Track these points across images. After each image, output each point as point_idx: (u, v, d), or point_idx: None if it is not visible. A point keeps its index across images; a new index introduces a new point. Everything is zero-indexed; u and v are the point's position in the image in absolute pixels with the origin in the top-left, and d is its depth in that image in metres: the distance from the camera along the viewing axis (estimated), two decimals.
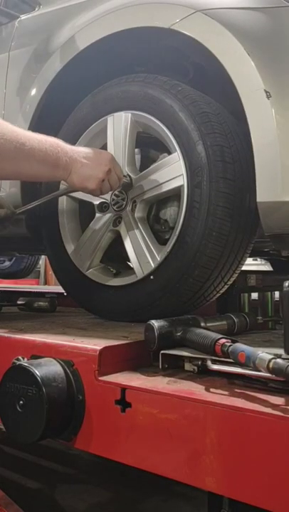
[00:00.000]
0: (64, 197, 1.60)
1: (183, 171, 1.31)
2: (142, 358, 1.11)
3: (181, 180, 1.31)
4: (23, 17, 1.89)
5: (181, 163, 1.31)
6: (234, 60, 1.22)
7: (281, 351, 0.94)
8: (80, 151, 1.33)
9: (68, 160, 1.28)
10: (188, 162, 1.30)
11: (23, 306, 2.06)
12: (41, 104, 1.67)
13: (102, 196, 1.46)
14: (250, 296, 1.70)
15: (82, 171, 1.29)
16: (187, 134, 1.30)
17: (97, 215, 1.54)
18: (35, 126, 1.69)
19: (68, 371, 1.04)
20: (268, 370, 0.83)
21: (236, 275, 1.40)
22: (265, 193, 1.18)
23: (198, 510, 2.01)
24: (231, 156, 1.29)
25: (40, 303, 2.02)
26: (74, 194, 1.56)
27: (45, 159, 1.23)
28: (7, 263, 4.35)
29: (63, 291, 1.75)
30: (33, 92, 1.69)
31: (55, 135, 1.65)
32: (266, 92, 1.16)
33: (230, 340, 0.96)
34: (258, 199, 1.19)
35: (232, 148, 1.29)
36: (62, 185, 1.58)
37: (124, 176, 1.44)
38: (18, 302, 2.10)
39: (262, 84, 1.17)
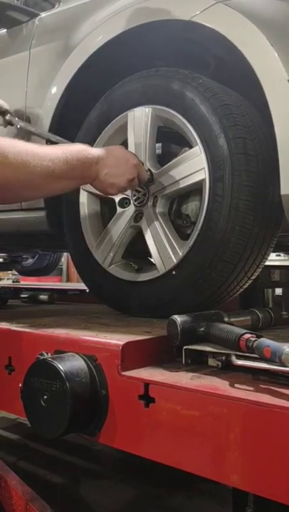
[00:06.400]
0: (85, 193, 1.61)
1: (204, 164, 1.29)
2: (164, 353, 1.11)
3: (203, 174, 1.30)
4: (43, 15, 1.91)
5: (203, 156, 1.30)
6: (257, 51, 1.20)
7: None
8: (108, 157, 1.32)
9: (95, 169, 1.30)
10: (210, 155, 1.28)
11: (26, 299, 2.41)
12: (62, 101, 1.67)
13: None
14: (274, 291, 1.68)
15: (106, 179, 1.32)
16: (209, 127, 1.29)
17: (119, 210, 1.53)
18: (57, 123, 1.70)
19: (91, 366, 1.04)
20: None
21: (260, 270, 1.38)
22: None
23: (223, 508, 1.99)
24: (254, 148, 1.27)
25: (41, 296, 2.39)
26: (95, 190, 1.56)
27: (74, 175, 1.27)
28: (30, 260, 4.40)
29: (86, 287, 1.76)
30: (54, 89, 1.70)
31: (76, 132, 1.67)
32: None
33: (255, 336, 0.95)
34: (282, 192, 1.17)
35: (255, 140, 1.27)
36: None
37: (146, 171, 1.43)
38: (22, 296, 2.48)
39: (285, 74, 1.15)
